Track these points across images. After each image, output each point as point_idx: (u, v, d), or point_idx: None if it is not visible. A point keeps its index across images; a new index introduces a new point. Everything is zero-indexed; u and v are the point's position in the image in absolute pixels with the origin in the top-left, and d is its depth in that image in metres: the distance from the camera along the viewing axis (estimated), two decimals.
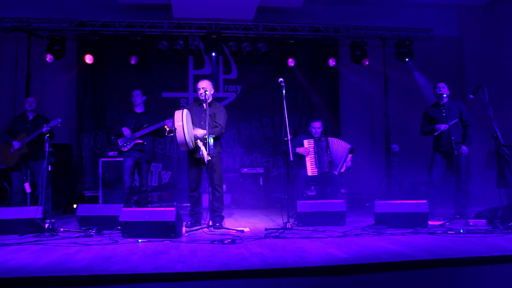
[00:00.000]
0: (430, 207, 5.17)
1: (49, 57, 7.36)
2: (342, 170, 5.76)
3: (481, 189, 6.56)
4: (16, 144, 5.53)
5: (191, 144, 4.51)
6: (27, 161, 5.65)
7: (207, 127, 4.46)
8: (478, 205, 5.29)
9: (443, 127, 5.17)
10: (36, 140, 5.51)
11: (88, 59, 7.56)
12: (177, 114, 4.47)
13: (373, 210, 4.55)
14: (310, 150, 5.74)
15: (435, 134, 5.26)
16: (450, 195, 5.30)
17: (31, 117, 5.75)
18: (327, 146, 5.71)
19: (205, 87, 4.75)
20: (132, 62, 7.66)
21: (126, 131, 5.53)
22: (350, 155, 5.76)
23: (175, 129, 4.42)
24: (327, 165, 5.68)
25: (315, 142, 5.75)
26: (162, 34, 7.81)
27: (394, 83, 8.47)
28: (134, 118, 5.67)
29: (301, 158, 5.80)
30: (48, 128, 5.25)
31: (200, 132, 4.63)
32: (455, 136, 5.04)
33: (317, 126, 5.84)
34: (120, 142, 5.60)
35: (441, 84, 5.33)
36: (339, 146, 5.76)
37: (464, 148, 5.14)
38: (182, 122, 4.40)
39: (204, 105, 4.70)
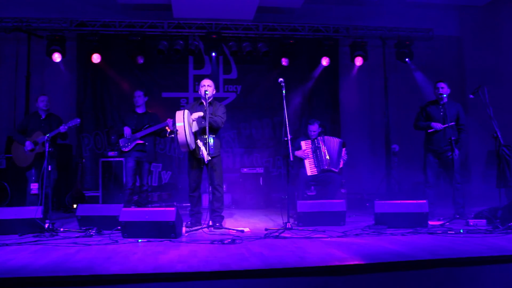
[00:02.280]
0: (429, 207, 5.19)
1: (56, 56, 7.38)
2: (341, 165, 5.80)
3: (481, 189, 6.56)
4: (28, 145, 5.39)
5: (192, 145, 4.51)
6: (43, 161, 5.43)
7: (207, 125, 4.46)
8: (478, 205, 5.29)
9: (439, 126, 5.19)
10: (51, 139, 5.32)
11: (96, 58, 7.58)
12: (178, 114, 4.47)
13: (373, 210, 4.55)
14: (308, 151, 5.78)
15: (429, 131, 5.27)
16: (448, 195, 5.30)
17: (43, 116, 5.64)
18: (324, 144, 5.74)
19: (209, 85, 4.80)
20: (139, 61, 7.71)
21: (127, 130, 5.53)
22: (344, 149, 5.85)
23: (177, 130, 4.42)
24: (325, 163, 5.70)
25: (312, 142, 5.80)
26: (162, 34, 7.81)
27: (394, 83, 8.47)
28: (136, 119, 5.67)
29: (301, 159, 5.83)
30: (66, 128, 5.23)
31: (197, 114, 4.61)
32: (449, 137, 5.06)
33: (313, 129, 5.87)
34: (121, 142, 5.60)
35: (441, 84, 5.32)
36: (333, 142, 5.83)
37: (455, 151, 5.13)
38: (183, 122, 4.39)
39: (204, 103, 4.70)
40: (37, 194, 5.46)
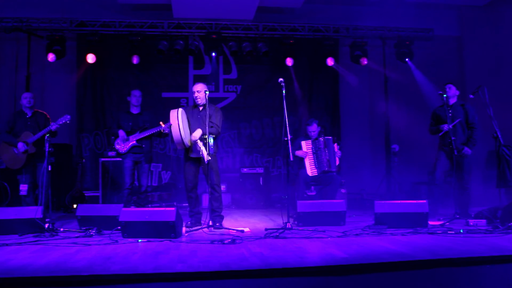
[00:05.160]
0: (433, 204, 5.20)
1: (51, 56, 7.35)
2: (337, 162, 5.79)
3: (481, 189, 6.56)
4: (21, 146, 5.24)
5: (186, 142, 4.54)
6: (35, 162, 5.35)
7: (207, 128, 4.47)
8: (478, 205, 5.30)
9: (446, 127, 5.21)
10: (40, 139, 5.22)
11: (90, 58, 7.56)
12: (172, 113, 4.54)
13: (373, 210, 4.55)
14: (308, 151, 5.77)
15: (440, 134, 5.30)
16: (449, 194, 5.31)
17: (29, 114, 5.46)
18: (325, 145, 5.73)
19: (199, 90, 4.82)
20: (134, 61, 7.66)
21: (121, 133, 5.50)
22: (335, 144, 5.82)
23: (171, 124, 4.48)
24: (326, 164, 5.69)
25: (313, 143, 5.78)
26: (162, 34, 7.80)
27: (394, 83, 8.47)
28: (131, 120, 5.61)
29: (301, 159, 5.82)
30: (58, 125, 5.11)
31: (198, 133, 4.64)
32: (459, 137, 5.12)
33: (312, 130, 5.84)
34: (117, 143, 5.56)
35: (448, 86, 5.37)
36: (329, 142, 5.81)
37: (466, 149, 5.19)
38: (177, 120, 4.45)
39: (200, 108, 4.79)
40: (25, 195, 5.37)
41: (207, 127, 4.47)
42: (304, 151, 5.78)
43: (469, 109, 5.32)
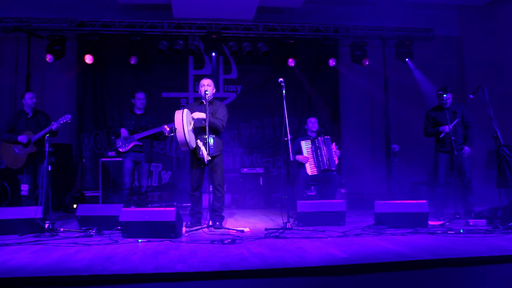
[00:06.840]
0: (438, 206, 5.22)
1: (49, 57, 7.35)
2: (336, 161, 5.79)
3: (481, 189, 6.56)
4: (22, 138, 5.21)
5: (192, 144, 4.51)
6: (36, 162, 5.34)
7: (207, 126, 4.46)
8: (478, 205, 5.30)
9: (447, 128, 5.23)
10: (41, 138, 5.21)
11: (88, 59, 7.56)
12: (177, 114, 4.47)
13: (373, 210, 4.55)
14: (309, 151, 5.77)
15: (441, 136, 5.31)
16: (451, 195, 5.32)
17: (30, 114, 5.47)
18: (324, 144, 5.73)
19: (209, 84, 4.79)
20: (132, 62, 7.66)
21: (124, 132, 5.50)
22: (333, 144, 5.81)
23: (175, 129, 4.42)
24: (325, 163, 5.69)
25: (312, 142, 5.79)
26: (162, 34, 7.80)
27: (394, 83, 8.47)
28: (134, 120, 5.63)
29: None
30: (58, 125, 5.10)
31: (198, 114, 4.61)
32: (458, 137, 5.17)
33: (313, 121, 5.89)
34: (117, 142, 5.57)
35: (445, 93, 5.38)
36: (328, 141, 5.80)
37: (466, 148, 5.28)
38: (182, 122, 4.40)
39: (205, 102, 4.70)
40: (26, 196, 5.37)
41: (207, 127, 4.47)
42: (305, 156, 5.76)
43: (463, 109, 5.40)
